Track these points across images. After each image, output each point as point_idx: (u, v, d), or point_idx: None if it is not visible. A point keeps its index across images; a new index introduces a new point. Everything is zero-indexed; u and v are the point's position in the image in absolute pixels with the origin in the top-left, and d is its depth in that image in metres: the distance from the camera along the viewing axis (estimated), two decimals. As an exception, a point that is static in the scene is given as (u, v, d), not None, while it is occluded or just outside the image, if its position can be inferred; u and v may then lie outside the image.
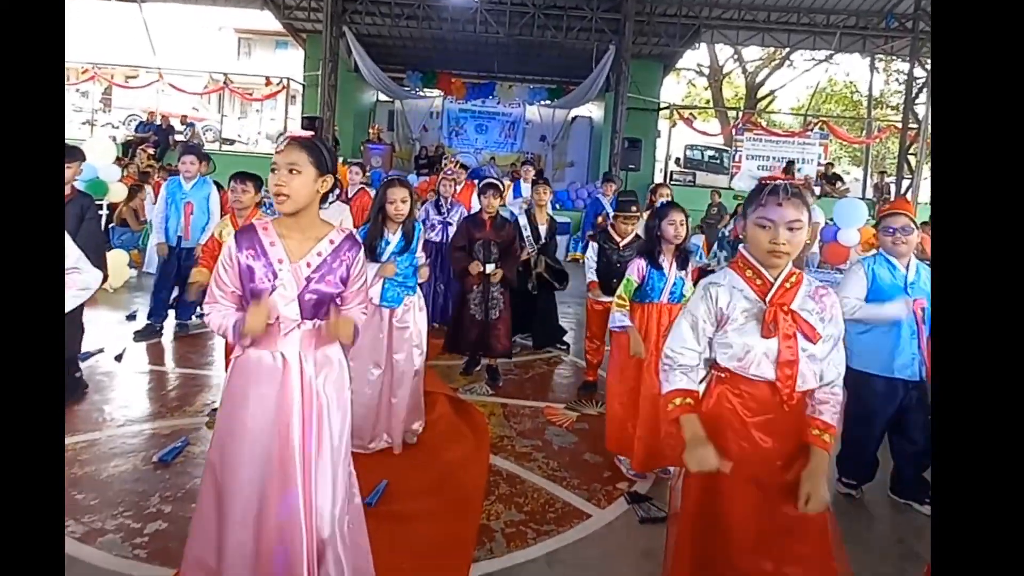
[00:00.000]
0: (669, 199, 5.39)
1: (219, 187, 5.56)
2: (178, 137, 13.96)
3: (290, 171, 1.69)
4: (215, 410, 3.37)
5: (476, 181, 6.46)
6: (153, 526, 2.45)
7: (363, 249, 1.89)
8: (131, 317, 5.61)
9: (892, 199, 12.89)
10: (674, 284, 3.12)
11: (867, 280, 2.82)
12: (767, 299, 1.67)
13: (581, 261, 8.58)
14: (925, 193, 13.89)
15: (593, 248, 4.06)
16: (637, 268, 3.12)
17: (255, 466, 1.72)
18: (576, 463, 3.26)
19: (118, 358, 4.43)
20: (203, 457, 3.04)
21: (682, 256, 3.16)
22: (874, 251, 3.00)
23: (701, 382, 1.79)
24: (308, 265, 1.76)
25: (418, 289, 3.39)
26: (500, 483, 2.98)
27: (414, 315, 3.29)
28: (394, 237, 3.19)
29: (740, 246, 1.79)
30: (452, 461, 3.16)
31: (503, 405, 4.02)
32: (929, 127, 12.00)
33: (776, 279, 1.69)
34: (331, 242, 1.80)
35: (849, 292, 2.81)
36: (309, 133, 1.79)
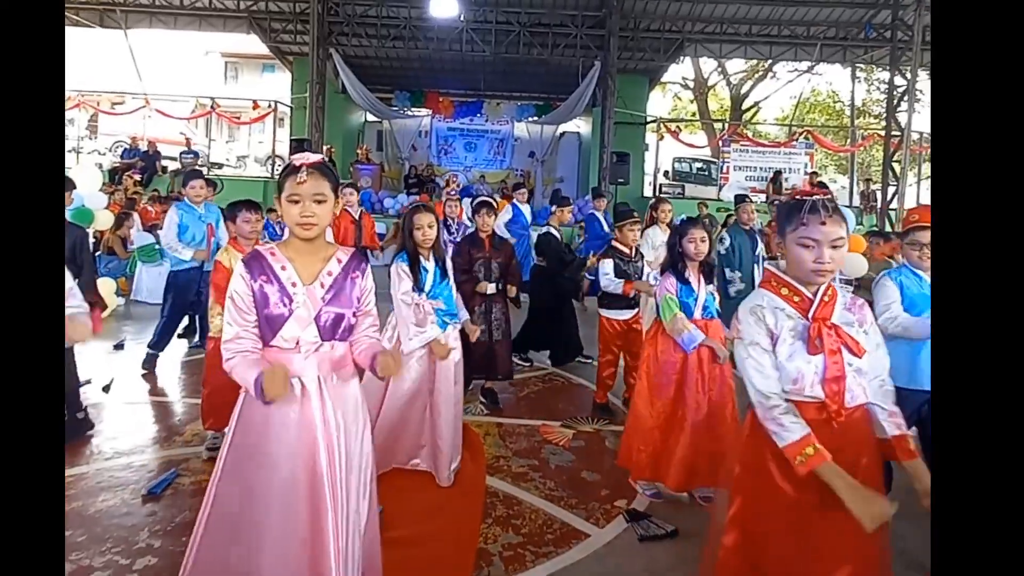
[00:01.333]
0: (671, 215, 5.46)
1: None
2: (166, 163, 13.90)
3: (317, 201, 1.69)
4: (212, 448, 3.32)
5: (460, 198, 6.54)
6: (143, 561, 2.39)
7: (370, 266, 1.88)
8: (119, 346, 5.54)
9: (878, 206, 13.03)
10: (705, 300, 3.06)
11: (897, 291, 2.75)
12: (810, 315, 1.65)
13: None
14: (910, 199, 14.04)
15: (607, 264, 4.04)
16: (669, 284, 3.06)
17: (282, 495, 1.70)
18: (574, 482, 3.22)
19: (106, 389, 4.36)
20: (194, 488, 2.99)
21: (707, 271, 3.13)
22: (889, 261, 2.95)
23: None
24: (322, 286, 1.75)
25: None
26: (497, 505, 2.94)
27: (453, 343, 3.18)
28: (431, 265, 3.11)
29: (766, 263, 1.78)
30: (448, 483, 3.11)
31: (498, 425, 3.98)
32: (911, 134, 12.18)
33: (816, 295, 1.66)
34: (339, 261, 1.80)
35: (888, 310, 2.71)
36: (320, 157, 1.76)
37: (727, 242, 5.27)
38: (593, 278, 5.06)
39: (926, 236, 2.69)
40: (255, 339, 1.73)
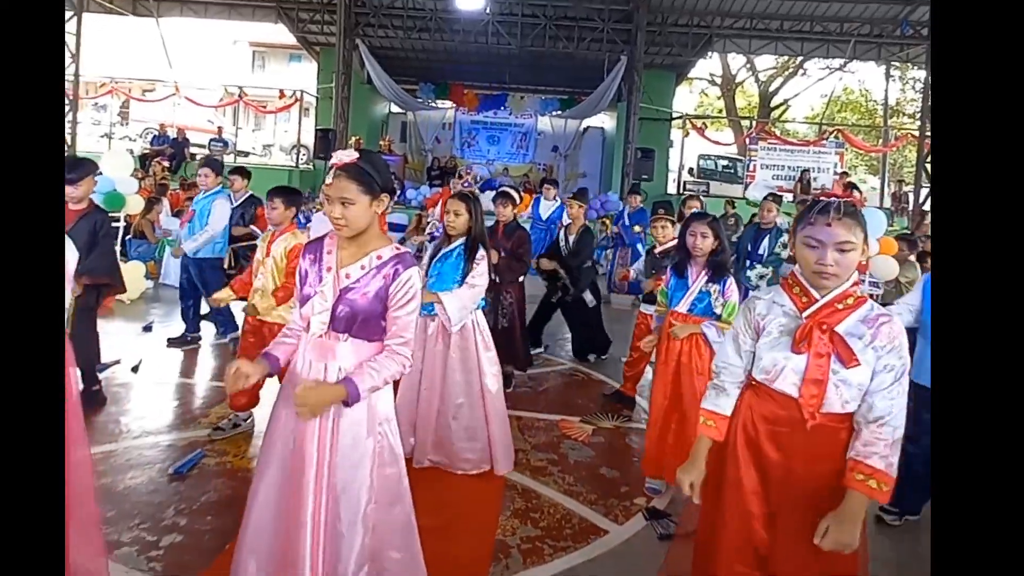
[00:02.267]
0: (698, 210, 5.47)
1: (259, 201, 5.61)
2: (194, 150, 14.09)
3: (343, 203, 1.67)
4: (217, 428, 3.43)
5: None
6: (169, 539, 2.45)
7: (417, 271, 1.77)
8: (147, 328, 5.65)
9: (910, 208, 12.76)
10: (699, 295, 3.03)
11: (922, 293, 2.84)
12: (804, 315, 1.63)
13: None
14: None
15: (642, 261, 4.24)
16: (665, 276, 3.23)
17: (274, 471, 1.76)
18: (593, 478, 3.21)
19: (135, 369, 4.46)
20: (219, 468, 3.07)
21: (715, 269, 3.02)
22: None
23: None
24: (347, 276, 1.73)
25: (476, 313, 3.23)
26: (515, 498, 2.95)
27: (474, 336, 3.15)
28: (447, 249, 3.14)
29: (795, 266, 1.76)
30: (467, 476, 3.12)
31: (518, 418, 3.98)
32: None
33: (823, 297, 1.63)
34: (379, 257, 1.75)
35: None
36: (354, 156, 1.68)
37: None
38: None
39: None
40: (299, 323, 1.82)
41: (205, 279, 5.07)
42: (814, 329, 1.59)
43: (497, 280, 4.19)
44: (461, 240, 3.12)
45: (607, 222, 10.35)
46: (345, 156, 1.69)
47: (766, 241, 5.46)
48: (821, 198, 1.61)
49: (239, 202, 5.41)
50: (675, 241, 4.10)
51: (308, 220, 7.40)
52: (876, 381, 1.58)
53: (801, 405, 1.60)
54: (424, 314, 3.10)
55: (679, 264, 3.12)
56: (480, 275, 3.07)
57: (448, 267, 3.12)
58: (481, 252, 3.09)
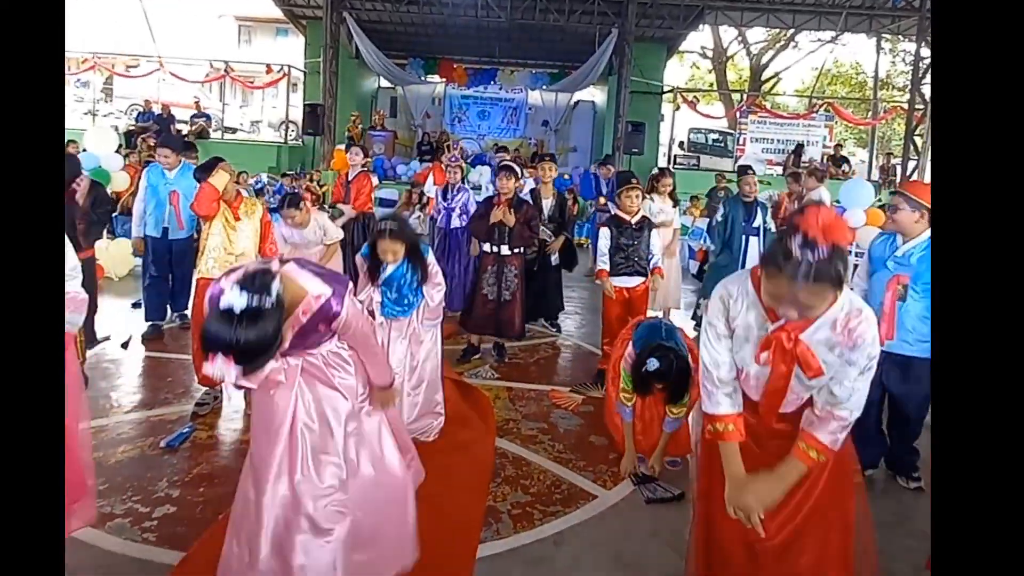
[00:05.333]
0: (670, 187, 5.44)
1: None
2: (180, 126, 13.87)
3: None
4: (200, 403, 3.41)
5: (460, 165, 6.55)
6: (161, 510, 2.48)
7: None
8: (136, 305, 5.60)
9: (898, 180, 12.81)
10: None
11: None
12: (771, 327, 1.55)
13: (586, 245, 8.61)
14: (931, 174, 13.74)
15: (605, 235, 4.04)
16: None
17: (260, 449, 1.80)
18: (582, 445, 3.26)
19: (124, 345, 4.45)
20: (210, 442, 3.09)
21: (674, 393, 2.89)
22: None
23: None
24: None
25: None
26: (506, 465, 2.99)
27: (413, 319, 3.17)
28: (388, 265, 3.02)
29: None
30: (458, 444, 3.16)
31: (508, 389, 4.02)
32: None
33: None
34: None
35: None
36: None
37: (720, 213, 5.49)
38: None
39: (893, 199, 2.83)
40: None
41: (186, 256, 4.96)
42: (779, 344, 1.53)
43: (512, 254, 4.27)
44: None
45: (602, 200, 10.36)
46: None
47: (759, 214, 5.50)
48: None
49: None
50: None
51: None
52: (840, 374, 1.54)
53: (760, 411, 1.63)
54: (389, 317, 3.09)
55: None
56: (439, 281, 3.17)
57: (404, 285, 3.06)
58: (430, 258, 3.11)
